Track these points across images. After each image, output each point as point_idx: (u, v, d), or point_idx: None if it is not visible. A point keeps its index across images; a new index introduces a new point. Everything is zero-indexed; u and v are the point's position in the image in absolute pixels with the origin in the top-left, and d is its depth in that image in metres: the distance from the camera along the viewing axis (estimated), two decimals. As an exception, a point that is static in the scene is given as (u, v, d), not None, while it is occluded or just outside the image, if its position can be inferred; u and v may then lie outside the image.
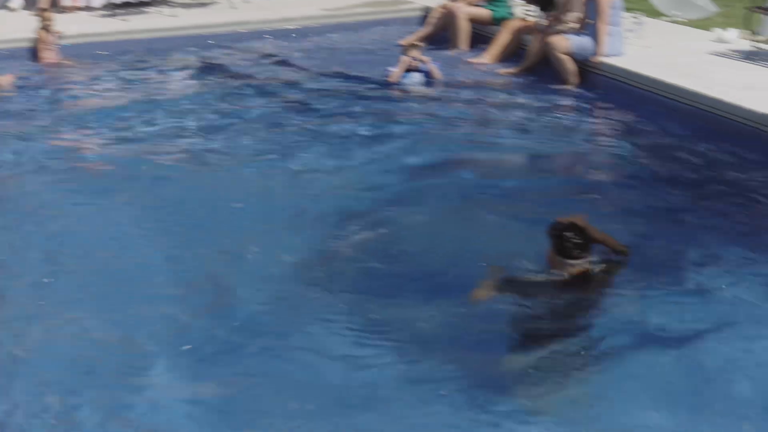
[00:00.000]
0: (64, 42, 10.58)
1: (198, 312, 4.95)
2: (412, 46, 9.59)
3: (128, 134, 8.28)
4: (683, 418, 3.96)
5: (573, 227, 4.83)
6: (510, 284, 5.01)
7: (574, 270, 4.82)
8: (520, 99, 9.24)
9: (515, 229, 6.08)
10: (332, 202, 6.59)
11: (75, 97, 9.64)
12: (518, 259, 5.28)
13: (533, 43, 9.81)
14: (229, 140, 8.15)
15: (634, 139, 7.96)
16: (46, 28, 10.24)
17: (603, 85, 9.21)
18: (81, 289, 5.23)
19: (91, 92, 9.78)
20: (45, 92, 9.62)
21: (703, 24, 10.92)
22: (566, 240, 4.78)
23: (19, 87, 9.56)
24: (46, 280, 5.33)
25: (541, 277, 5.01)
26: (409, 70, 9.47)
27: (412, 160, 7.61)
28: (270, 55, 11.13)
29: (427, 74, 9.58)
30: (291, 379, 4.30)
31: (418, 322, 4.81)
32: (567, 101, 9.10)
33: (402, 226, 6.26)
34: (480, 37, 10.89)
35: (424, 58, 9.53)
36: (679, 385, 4.25)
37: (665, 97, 8.37)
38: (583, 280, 4.88)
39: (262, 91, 9.74)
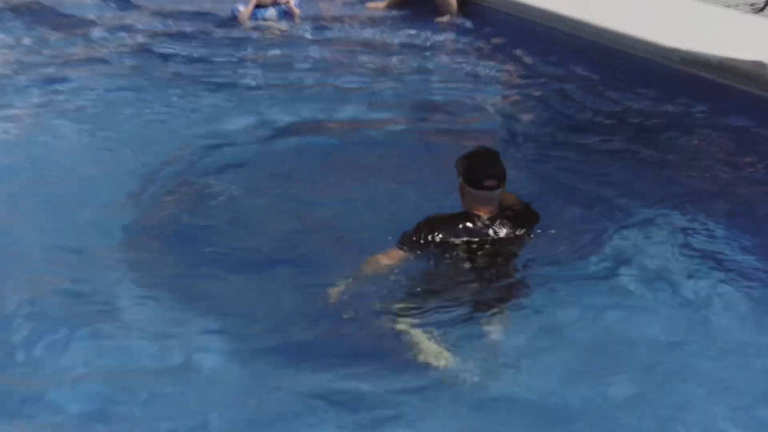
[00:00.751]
0: None
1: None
2: None
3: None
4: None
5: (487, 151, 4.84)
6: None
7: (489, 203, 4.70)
8: (391, 36, 8.94)
9: (392, 193, 5.81)
10: (170, 159, 6.33)
11: None
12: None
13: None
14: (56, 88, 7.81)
15: (526, 80, 7.76)
16: None
17: (489, 17, 8.98)
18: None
19: None
20: None
21: None
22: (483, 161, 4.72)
23: None
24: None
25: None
26: (260, 6, 9.08)
27: (264, 113, 7.26)
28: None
29: (284, 10, 9.20)
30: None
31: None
32: (446, 37, 8.82)
33: (245, 193, 5.85)
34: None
35: None
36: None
37: (560, 30, 8.14)
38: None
39: (98, 35, 9.43)
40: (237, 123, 6.99)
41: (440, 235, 4.62)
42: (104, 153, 6.61)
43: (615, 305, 4.40)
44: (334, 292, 4.43)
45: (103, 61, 8.63)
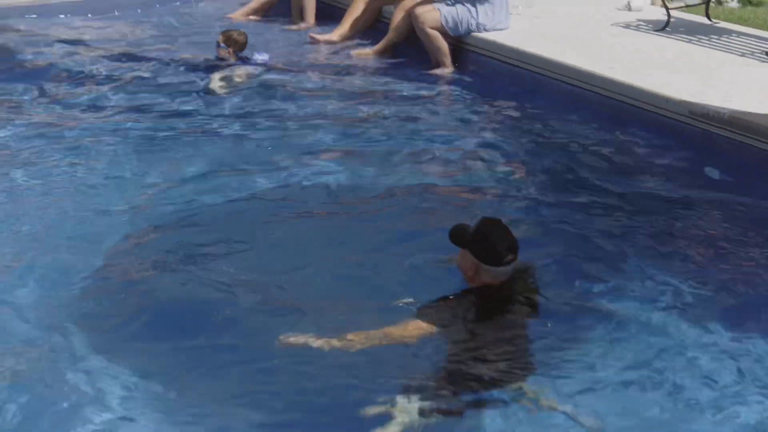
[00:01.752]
0: None
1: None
2: (223, 36, 9.09)
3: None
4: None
5: (499, 225, 4.75)
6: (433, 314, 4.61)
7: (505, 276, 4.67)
8: (380, 87, 8.82)
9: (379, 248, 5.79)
10: (152, 209, 6.36)
11: None
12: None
13: (396, 15, 9.35)
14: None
15: (521, 136, 7.57)
16: None
17: (484, 66, 8.85)
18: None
19: None
20: None
21: None
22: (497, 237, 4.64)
23: None
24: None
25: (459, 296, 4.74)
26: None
27: (245, 165, 7.25)
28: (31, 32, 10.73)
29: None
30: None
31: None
32: (439, 88, 8.68)
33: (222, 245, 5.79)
34: (330, 9, 10.65)
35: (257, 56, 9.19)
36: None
37: (560, 80, 7.97)
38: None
39: (67, 75, 9.38)
40: (214, 172, 6.90)
41: (461, 312, 4.54)
42: (79, 193, 6.50)
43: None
44: (291, 339, 4.36)
45: (88, 105, 8.46)
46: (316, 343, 4.28)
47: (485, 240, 4.54)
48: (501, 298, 4.62)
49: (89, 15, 11.27)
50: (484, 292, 4.57)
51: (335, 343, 4.31)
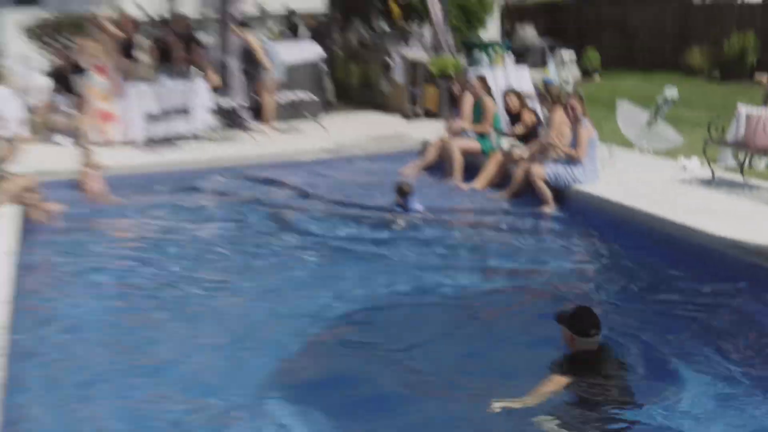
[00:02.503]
0: (109, 173, 10.65)
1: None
2: (402, 191, 9.49)
3: (154, 256, 8.42)
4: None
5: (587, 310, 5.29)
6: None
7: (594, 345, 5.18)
8: (506, 221, 9.26)
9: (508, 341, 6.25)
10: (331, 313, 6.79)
11: (112, 224, 9.78)
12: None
13: (517, 171, 9.85)
14: (247, 254, 8.42)
15: (605, 261, 7.92)
16: (89, 161, 10.36)
17: (579, 209, 9.17)
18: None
19: (126, 218, 9.94)
20: (93, 217, 9.79)
21: (669, 153, 11.04)
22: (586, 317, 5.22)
23: (70, 214, 9.66)
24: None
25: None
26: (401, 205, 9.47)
27: (405, 277, 7.65)
28: (284, 183, 11.19)
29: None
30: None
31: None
32: (546, 223, 9.10)
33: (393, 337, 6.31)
34: (471, 166, 10.90)
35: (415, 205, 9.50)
36: None
37: (635, 220, 8.33)
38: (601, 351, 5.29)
39: (270, 213, 9.91)
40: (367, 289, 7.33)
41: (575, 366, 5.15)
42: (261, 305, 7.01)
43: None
44: (501, 404, 4.85)
45: (271, 234, 9.07)
46: (513, 404, 4.84)
47: (577, 320, 5.22)
48: (595, 359, 5.24)
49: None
50: (582, 355, 5.20)
51: (521, 403, 4.84)
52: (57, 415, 5.10)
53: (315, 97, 14.47)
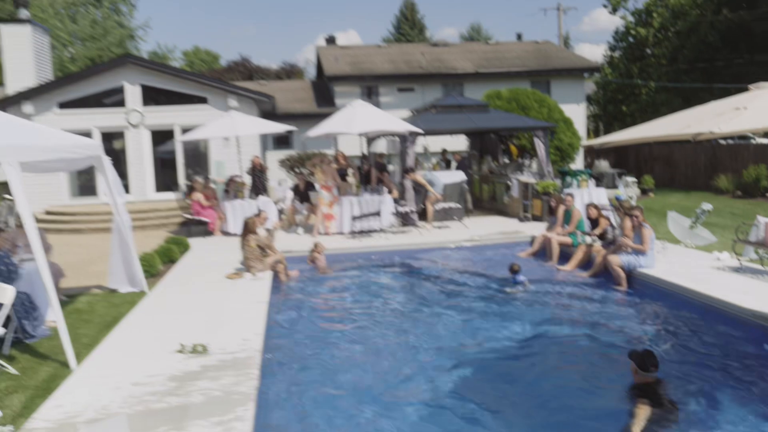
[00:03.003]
0: (327, 252, 10.96)
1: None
2: (513, 270, 9.17)
3: (357, 302, 8.58)
4: None
5: (650, 353, 5.07)
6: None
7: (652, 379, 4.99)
8: (589, 293, 8.83)
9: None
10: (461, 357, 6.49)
11: (330, 281, 9.99)
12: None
13: (598, 259, 9.53)
14: (411, 306, 8.40)
15: (663, 323, 7.48)
16: (316, 248, 10.74)
17: (642, 286, 8.74)
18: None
19: (341, 279, 10.13)
20: (317, 281, 10.00)
21: (707, 248, 10.56)
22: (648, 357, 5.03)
23: (303, 278, 10.04)
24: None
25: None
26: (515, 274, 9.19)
27: (517, 327, 7.40)
28: (438, 261, 11.15)
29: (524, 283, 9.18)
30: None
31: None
32: (619, 296, 8.65)
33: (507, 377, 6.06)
34: (565, 254, 10.60)
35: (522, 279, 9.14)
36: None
37: (683, 295, 7.95)
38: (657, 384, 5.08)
39: (431, 280, 9.83)
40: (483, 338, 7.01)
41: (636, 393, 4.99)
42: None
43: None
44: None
45: (428, 297, 8.81)
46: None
47: (641, 358, 5.04)
48: (654, 388, 5.03)
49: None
50: (644, 385, 5.01)
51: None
52: (293, 414, 5.13)
53: (459, 206, 14.49)
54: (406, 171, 14.07)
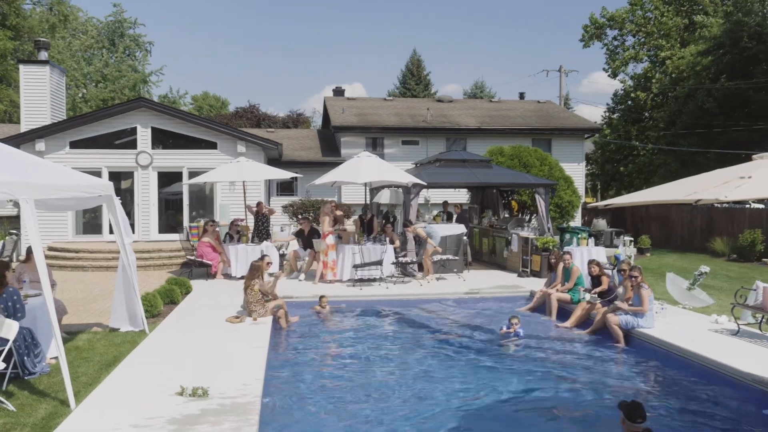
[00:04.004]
0: (329, 300, 10.97)
1: None
2: (513, 319, 9.30)
3: (355, 350, 8.46)
4: None
5: (638, 404, 5.05)
6: None
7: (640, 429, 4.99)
8: (588, 350, 8.80)
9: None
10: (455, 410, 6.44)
11: (330, 331, 9.93)
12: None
13: (597, 317, 9.49)
14: (407, 354, 8.43)
15: (658, 382, 7.52)
16: (321, 302, 10.79)
17: (640, 345, 8.69)
18: None
19: (340, 326, 10.10)
20: (316, 327, 10.02)
21: (704, 310, 10.55)
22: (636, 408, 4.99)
23: (302, 324, 10.04)
24: None
25: None
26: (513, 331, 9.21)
27: (514, 383, 7.36)
28: (436, 312, 11.13)
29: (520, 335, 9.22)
30: None
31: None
32: (616, 354, 8.62)
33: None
34: (564, 311, 10.55)
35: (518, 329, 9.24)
36: None
37: (680, 356, 7.90)
38: None
39: (430, 331, 9.77)
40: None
41: None
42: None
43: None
44: None
45: (425, 345, 8.80)
46: None
47: (630, 410, 5.02)
48: None
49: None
50: None
51: None
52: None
53: (457, 258, 14.49)
54: (406, 224, 14.15)
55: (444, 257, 13.97)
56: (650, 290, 9.01)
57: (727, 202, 22.66)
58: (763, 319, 8.75)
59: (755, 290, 8.91)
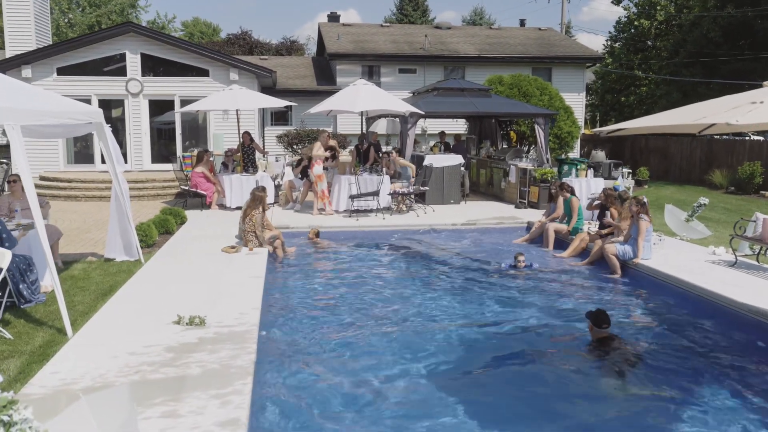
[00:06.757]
0: (323, 230, 10.93)
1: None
2: (519, 256, 9.20)
3: (345, 280, 8.46)
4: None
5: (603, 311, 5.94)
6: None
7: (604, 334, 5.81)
8: (584, 280, 8.84)
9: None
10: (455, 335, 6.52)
11: (326, 259, 10.03)
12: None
13: (594, 247, 9.51)
14: (404, 285, 8.37)
15: (655, 313, 7.47)
16: (315, 231, 10.75)
17: (637, 276, 8.69)
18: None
19: (335, 257, 10.06)
20: (311, 257, 10.05)
21: (702, 242, 10.59)
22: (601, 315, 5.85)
23: (299, 254, 10.03)
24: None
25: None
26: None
27: (509, 312, 7.33)
28: (433, 243, 11.10)
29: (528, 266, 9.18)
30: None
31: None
32: (613, 285, 8.63)
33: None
34: (561, 242, 10.61)
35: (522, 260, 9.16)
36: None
37: (677, 286, 7.91)
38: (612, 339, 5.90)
39: (427, 261, 9.77)
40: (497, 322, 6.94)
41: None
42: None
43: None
44: None
45: (423, 276, 8.79)
46: None
47: (596, 317, 5.83)
48: (609, 342, 5.82)
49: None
50: (600, 340, 5.84)
51: None
52: (287, 390, 5.06)
53: (457, 189, 14.36)
54: (390, 153, 13.98)
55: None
56: (649, 222, 8.98)
57: (728, 134, 22.51)
58: (761, 251, 8.77)
59: (754, 221, 8.89)
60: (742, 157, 20.22)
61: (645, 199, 9.34)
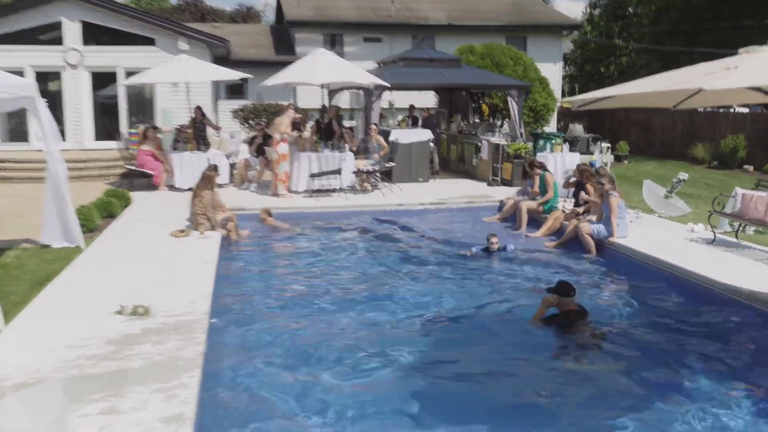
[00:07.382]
0: (278, 211, 10.87)
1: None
2: (491, 237, 9.10)
3: (306, 264, 8.45)
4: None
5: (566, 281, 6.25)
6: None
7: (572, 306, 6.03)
8: (558, 260, 8.95)
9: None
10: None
11: (283, 242, 9.97)
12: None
13: (569, 226, 9.60)
14: (368, 267, 8.47)
15: (630, 292, 7.58)
16: (267, 210, 10.70)
17: (613, 256, 8.85)
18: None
19: (291, 241, 10.03)
20: (266, 240, 9.98)
21: (681, 219, 10.80)
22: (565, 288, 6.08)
23: (253, 237, 10.01)
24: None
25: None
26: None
27: (481, 290, 7.53)
28: (398, 223, 11.17)
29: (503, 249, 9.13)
30: None
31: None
32: (588, 265, 8.74)
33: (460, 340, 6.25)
34: (534, 221, 10.73)
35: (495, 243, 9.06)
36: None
37: (653, 265, 8.06)
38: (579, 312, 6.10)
39: (393, 244, 9.80)
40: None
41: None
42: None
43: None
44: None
45: (388, 259, 8.84)
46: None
47: (563, 288, 6.04)
48: (575, 315, 6.00)
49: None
50: (566, 312, 6.01)
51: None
52: (238, 382, 5.05)
53: (425, 167, 14.42)
54: (370, 128, 13.94)
55: (410, 166, 13.85)
56: (619, 197, 9.10)
57: (712, 107, 22.87)
58: (740, 227, 8.97)
59: (734, 197, 9.08)
60: (725, 130, 20.61)
61: (602, 170, 9.60)
